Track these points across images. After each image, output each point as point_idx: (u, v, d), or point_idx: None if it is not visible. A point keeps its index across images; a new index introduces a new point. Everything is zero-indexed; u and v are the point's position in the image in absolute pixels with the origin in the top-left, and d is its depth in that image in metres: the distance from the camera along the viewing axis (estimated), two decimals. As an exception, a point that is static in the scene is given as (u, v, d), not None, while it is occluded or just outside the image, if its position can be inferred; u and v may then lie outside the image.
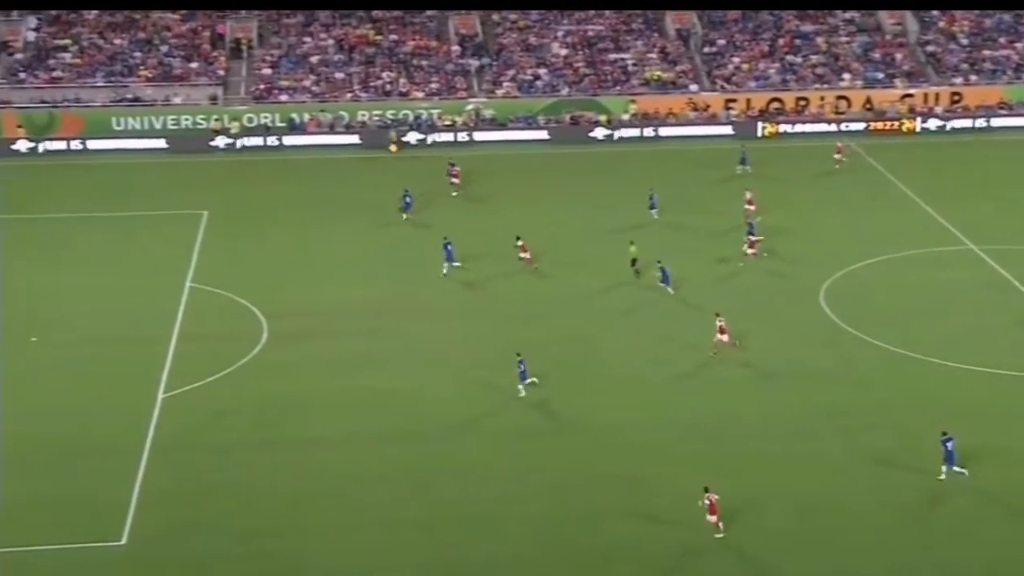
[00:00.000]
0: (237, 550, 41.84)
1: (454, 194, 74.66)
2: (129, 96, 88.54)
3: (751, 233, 65.06)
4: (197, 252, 66.28)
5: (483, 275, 63.18)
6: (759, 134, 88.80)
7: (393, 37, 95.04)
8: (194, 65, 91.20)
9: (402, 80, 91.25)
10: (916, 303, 60.55)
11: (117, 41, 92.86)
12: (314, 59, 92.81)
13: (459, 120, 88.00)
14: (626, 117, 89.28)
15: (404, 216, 70.58)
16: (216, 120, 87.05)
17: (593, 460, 46.85)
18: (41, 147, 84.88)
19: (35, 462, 46.72)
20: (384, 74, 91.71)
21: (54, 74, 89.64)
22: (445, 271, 62.74)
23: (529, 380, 51.16)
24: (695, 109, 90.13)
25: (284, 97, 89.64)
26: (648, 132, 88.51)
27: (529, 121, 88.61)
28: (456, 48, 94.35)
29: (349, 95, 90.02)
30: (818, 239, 68.65)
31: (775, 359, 54.88)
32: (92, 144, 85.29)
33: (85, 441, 48.06)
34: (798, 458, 47.15)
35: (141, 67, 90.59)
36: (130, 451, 47.17)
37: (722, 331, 54.33)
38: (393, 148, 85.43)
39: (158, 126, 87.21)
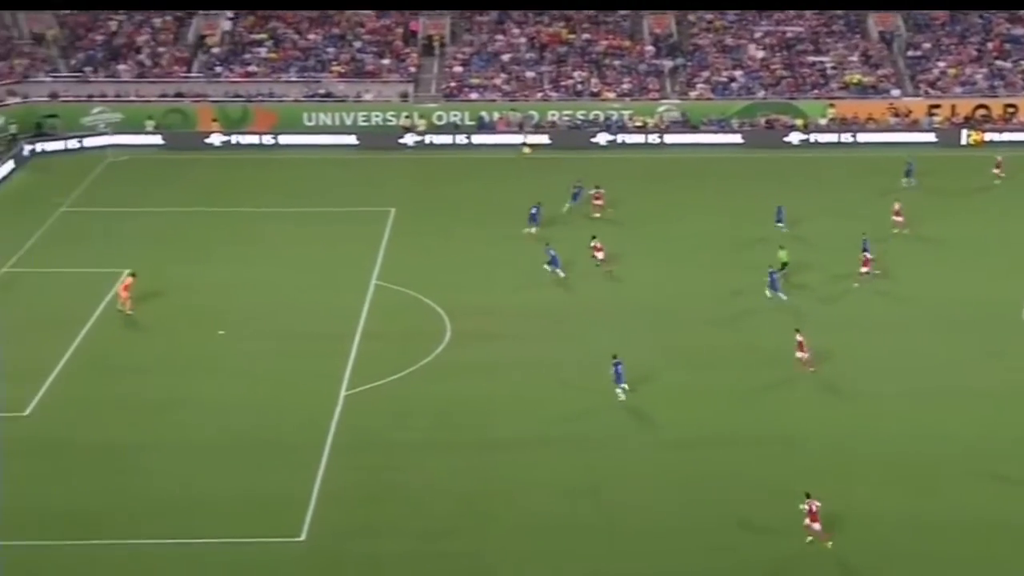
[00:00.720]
0: (415, 550, 42.44)
1: (596, 215, 71.65)
2: (321, 91, 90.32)
3: (865, 250, 63.48)
4: (383, 249, 67.17)
5: (667, 280, 63.20)
6: (963, 142, 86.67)
7: (586, 36, 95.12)
8: (386, 62, 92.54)
9: (593, 80, 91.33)
10: None
11: (311, 36, 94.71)
12: (505, 57, 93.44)
13: (650, 122, 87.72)
14: (823, 122, 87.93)
15: (529, 230, 68.75)
16: (406, 117, 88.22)
17: (776, 472, 46.53)
18: (234, 140, 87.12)
19: (219, 456, 48.07)
20: (576, 73, 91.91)
21: (249, 68, 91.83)
22: (555, 273, 62.77)
23: (623, 385, 51.40)
24: (896, 115, 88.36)
25: (474, 95, 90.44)
26: (846, 138, 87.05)
27: (722, 124, 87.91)
28: (650, 48, 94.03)
29: (539, 94, 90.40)
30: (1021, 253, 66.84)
31: (969, 376, 53.69)
32: (283, 139, 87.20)
33: (268, 436, 49.22)
34: (982, 479, 46.18)
35: (334, 63, 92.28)
36: (311, 448, 48.18)
37: (801, 348, 53.56)
38: (527, 150, 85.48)
39: (348, 122, 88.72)
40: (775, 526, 43.27)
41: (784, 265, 62.07)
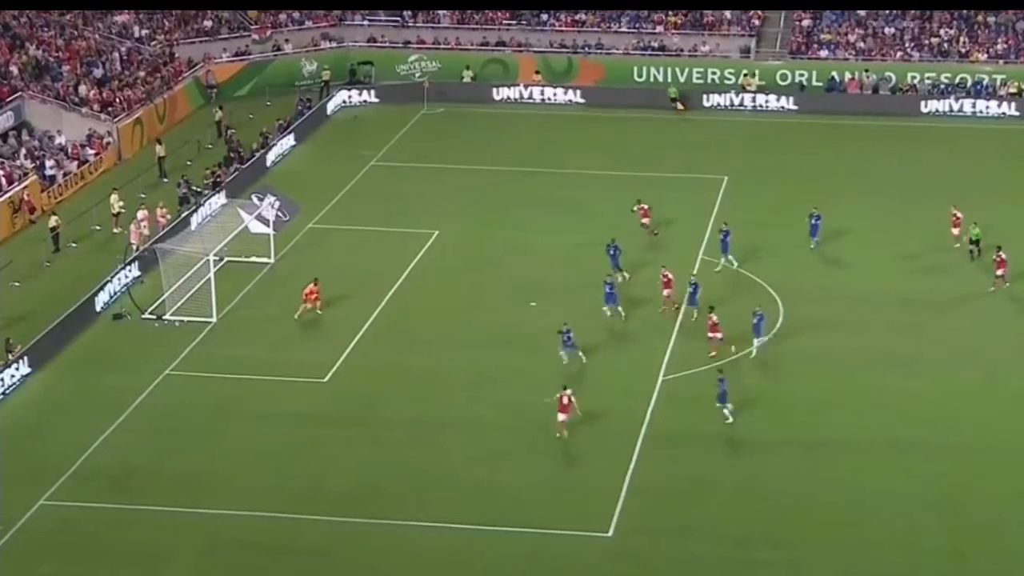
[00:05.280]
0: (730, 557, 42.10)
1: (642, 226, 66.14)
2: (654, 44, 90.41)
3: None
4: (712, 221, 66.66)
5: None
6: None
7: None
8: (728, 13, 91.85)
9: (962, 39, 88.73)
10: None
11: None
12: (862, 11, 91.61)
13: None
14: None
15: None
16: (745, 75, 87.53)
17: None
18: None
19: (526, 439, 48.63)
20: (942, 31, 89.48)
21: (577, 16, 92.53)
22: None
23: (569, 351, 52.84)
24: None
25: (823, 53, 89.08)
26: None
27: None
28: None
29: (899, 54, 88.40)
30: None
31: None
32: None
33: (578, 420, 49.46)
34: None
35: (669, 13, 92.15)
36: (624, 436, 48.38)
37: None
38: (679, 106, 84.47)
39: (682, 78, 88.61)
40: None
41: None
